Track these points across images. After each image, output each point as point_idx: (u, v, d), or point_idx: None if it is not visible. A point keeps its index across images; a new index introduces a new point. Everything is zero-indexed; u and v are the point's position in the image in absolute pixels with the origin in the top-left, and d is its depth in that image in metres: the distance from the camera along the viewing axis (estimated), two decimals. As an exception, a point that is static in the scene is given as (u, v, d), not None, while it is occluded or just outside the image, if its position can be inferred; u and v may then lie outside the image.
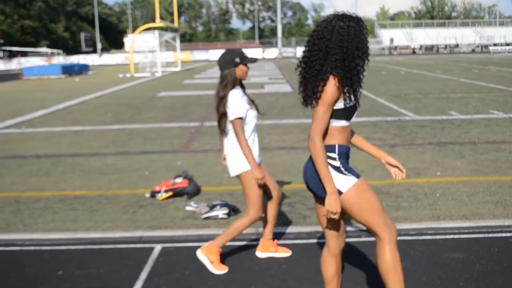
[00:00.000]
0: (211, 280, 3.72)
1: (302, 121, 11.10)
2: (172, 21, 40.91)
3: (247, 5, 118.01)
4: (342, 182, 2.73)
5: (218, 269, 3.82)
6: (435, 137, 8.86)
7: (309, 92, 2.77)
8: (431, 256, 4.02)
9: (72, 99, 17.91)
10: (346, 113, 2.77)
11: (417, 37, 74.32)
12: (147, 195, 5.87)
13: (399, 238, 4.34)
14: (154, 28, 37.40)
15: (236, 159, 3.77)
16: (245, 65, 3.78)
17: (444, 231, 4.54)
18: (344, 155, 2.81)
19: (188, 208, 5.36)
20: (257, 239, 4.48)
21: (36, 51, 67.24)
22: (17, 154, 8.57)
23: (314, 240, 4.41)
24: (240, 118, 3.68)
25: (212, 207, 5.20)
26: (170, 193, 5.78)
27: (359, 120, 10.95)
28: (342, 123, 2.78)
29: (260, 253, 4.11)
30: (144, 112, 13.73)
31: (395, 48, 72.54)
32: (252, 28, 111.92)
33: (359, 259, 4.00)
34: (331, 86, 2.67)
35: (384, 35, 74.49)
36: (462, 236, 4.43)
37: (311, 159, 2.83)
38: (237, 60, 3.73)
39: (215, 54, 68.05)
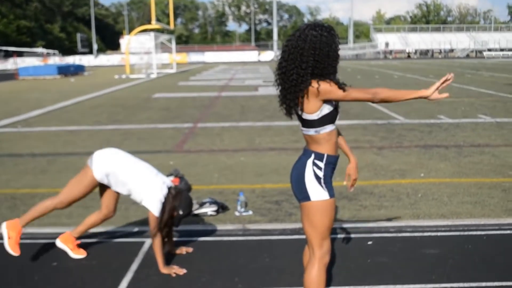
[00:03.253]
0: (196, 271, 3.93)
1: (293, 123, 11.25)
2: (168, 23, 41.09)
3: (243, 8, 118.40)
4: (316, 191, 2.90)
5: (78, 253, 4.21)
6: (421, 140, 9.10)
7: (291, 103, 2.88)
8: (408, 251, 4.24)
9: (67, 99, 18.08)
10: (329, 117, 2.88)
11: (412, 41, 74.77)
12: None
13: (379, 235, 4.60)
14: (150, 30, 37.56)
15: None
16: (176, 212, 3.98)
17: (422, 229, 4.76)
18: (331, 165, 2.94)
19: (178, 205, 5.55)
20: (244, 235, 4.70)
21: (32, 51, 67.22)
22: (13, 153, 8.75)
23: (298, 236, 4.61)
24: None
25: (201, 205, 5.40)
26: (161, 191, 5.97)
27: (349, 122, 11.18)
28: (328, 128, 2.88)
29: (59, 242, 4.26)
30: (139, 113, 13.92)
31: (390, 52, 72.99)
32: (249, 30, 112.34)
33: (351, 256, 4.21)
34: (321, 83, 2.77)
35: (379, 39, 74.92)
36: (439, 233, 4.65)
37: (296, 163, 3.00)
38: (177, 205, 3.95)
39: (211, 56, 68.30)
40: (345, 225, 4.88)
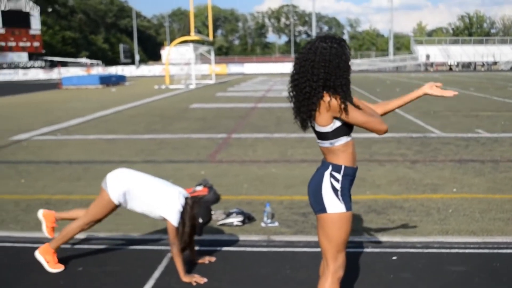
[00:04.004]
0: (216, 280, 3.96)
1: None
2: (208, 34, 41.63)
3: (283, 20, 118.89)
4: (333, 203, 2.89)
5: (54, 267, 4.18)
6: (457, 154, 8.93)
7: (304, 116, 2.89)
8: (433, 268, 4.17)
9: (107, 108, 18.49)
10: (343, 130, 2.88)
11: (453, 53, 73.50)
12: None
13: (405, 250, 4.54)
14: (190, 41, 38.11)
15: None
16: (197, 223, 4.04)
17: (450, 245, 4.66)
18: (349, 177, 2.93)
19: (206, 215, 5.60)
20: (268, 246, 4.70)
21: (76, 62, 69.14)
22: (51, 160, 8.99)
23: (322, 249, 4.57)
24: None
25: (228, 215, 5.44)
26: (190, 200, 6.04)
27: (383, 136, 11.05)
28: (343, 140, 2.89)
29: (37, 254, 4.27)
30: (175, 122, 14.12)
31: (431, 64, 71.88)
32: (288, 42, 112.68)
33: (361, 270, 4.17)
34: (332, 99, 2.78)
35: (420, 51, 73.92)
36: (467, 250, 4.55)
37: (314, 175, 3.00)
38: (200, 220, 4.03)
39: (250, 67, 68.68)
40: (371, 239, 4.84)
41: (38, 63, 64.88)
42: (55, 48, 74.31)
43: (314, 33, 73.85)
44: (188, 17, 37.36)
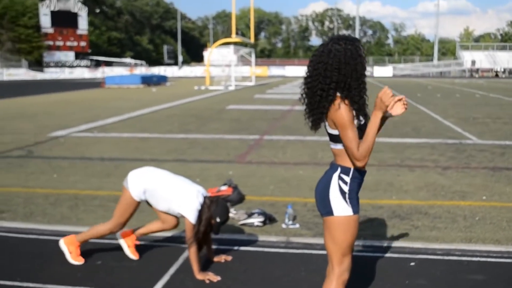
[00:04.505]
0: (230, 279, 3.98)
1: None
2: (250, 36, 41.85)
3: (326, 23, 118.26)
4: (340, 206, 2.86)
5: (75, 259, 4.27)
6: (491, 162, 8.70)
7: (316, 117, 2.88)
8: (451, 276, 4.08)
9: (145, 108, 18.80)
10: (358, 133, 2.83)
11: (501, 60, 71.61)
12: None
13: (425, 256, 4.46)
14: (232, 43, 38.36)
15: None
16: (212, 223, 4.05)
17: (472, 253, 4.55)
18: (357, 180, 2.90)
19: (228, 214, 5.64)
20: (286, 248, 4.70)
21: (121, 61, 70.51)
22: (85, 156, 9.21)
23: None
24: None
25: (250, 215, 5.45)
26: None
27: (417, 141, 10.89)
28: None
29: (62, 243, 4.36)
30: (209, 123, 14.24)
31: (477, 70, 70.20)
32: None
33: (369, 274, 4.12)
34: (342, 107, 2.75)
35: (466, 56, 72.37)
36: (489, 259, 4.43)
37: (322, 177, 2.98)
38: (218, 220, 4.02)
39: (291, 70, 68.64)
40: (390, 244, 4.77)
41: (84, 62, 66.56)
42: (101, 48, 75.96)
43: (357, 37, 73.13)
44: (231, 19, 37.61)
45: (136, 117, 15.84)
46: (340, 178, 2.88)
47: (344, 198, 2.87)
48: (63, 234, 4.98)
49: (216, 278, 3.94)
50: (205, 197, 4.07)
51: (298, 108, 19.25)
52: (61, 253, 4.46)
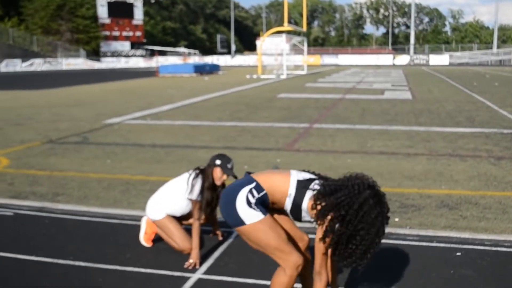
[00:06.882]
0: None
1: (411, 128, 10.98)
2: (303, 25, 41.62)
3: (381, 11, 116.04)
4: (249, 215, 2.94)
5: (145, 241, 4.43)
6: (549, 153, 8.40)
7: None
8: (497, 267, 3.99)
9: (197, 96, 19.07)
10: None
11: None
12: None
13: (471, 247, 4.39)
14: (285, 32, 38.24)
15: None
16: (223, 172, 4.10)
17: (521, 245, 4.45)
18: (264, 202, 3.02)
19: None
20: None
21: (175, 51, 71.55)
22: (137, 143, 9.46)
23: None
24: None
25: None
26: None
27: (472, 130, 10.62)
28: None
29: (144, 220, 4.48)
30: (259, 111, 14.32)
31: (540, 58, 67.37)
32: (386, 33, 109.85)
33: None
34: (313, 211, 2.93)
35: (528, 44, 69.47)
36: (540, 251, 4.31)
37: (228, 189, 3.08)
38: (218, 162, 4.10)
39: (344, 59, 67.84)
40: (436, 234, 4.70)
41: (139, 52, 67.90)
42: (155, 37, 77.32)
43: (412, 24, 71.63)
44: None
45: (189, 105, 16.10)
46: (250, 192, 2.96)
47: (251, 206, 2.95)
48: (113, 216, 5.19)
49: (196, 266, 3.98)
50: (200, 170, 4.21)
51: (349, 97, 19.08)
52: (112, 235, 4.65)
